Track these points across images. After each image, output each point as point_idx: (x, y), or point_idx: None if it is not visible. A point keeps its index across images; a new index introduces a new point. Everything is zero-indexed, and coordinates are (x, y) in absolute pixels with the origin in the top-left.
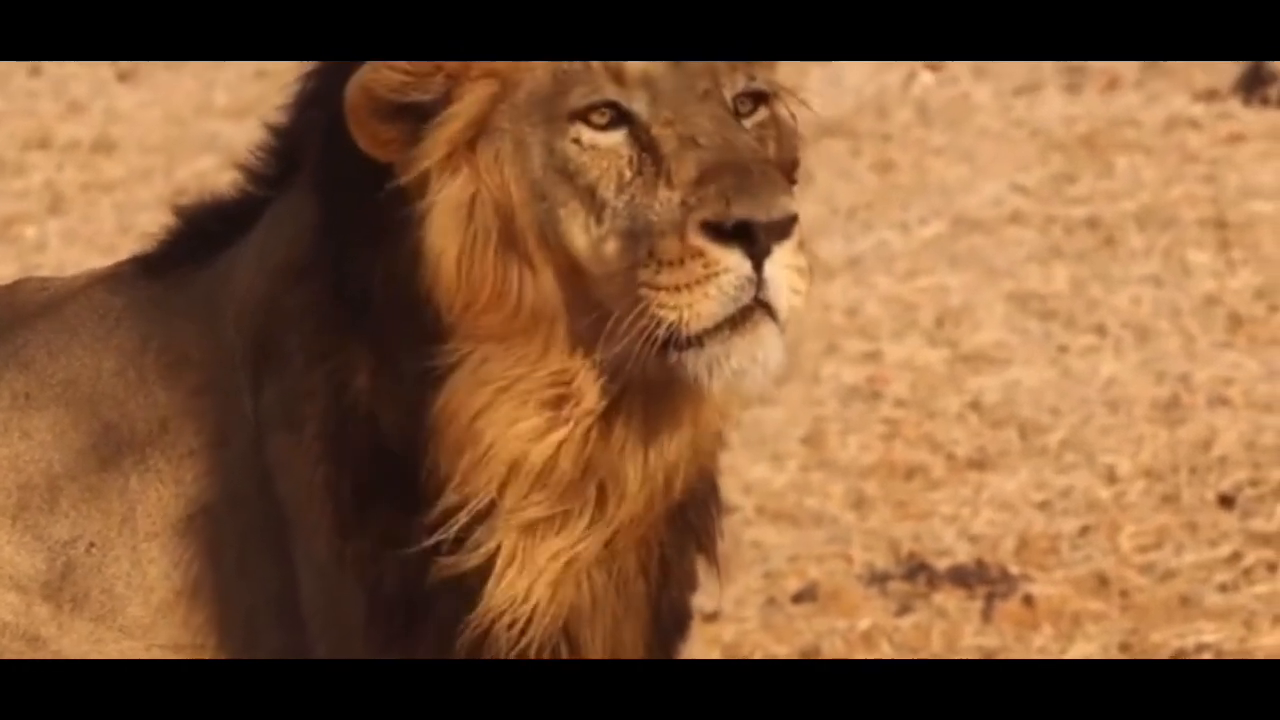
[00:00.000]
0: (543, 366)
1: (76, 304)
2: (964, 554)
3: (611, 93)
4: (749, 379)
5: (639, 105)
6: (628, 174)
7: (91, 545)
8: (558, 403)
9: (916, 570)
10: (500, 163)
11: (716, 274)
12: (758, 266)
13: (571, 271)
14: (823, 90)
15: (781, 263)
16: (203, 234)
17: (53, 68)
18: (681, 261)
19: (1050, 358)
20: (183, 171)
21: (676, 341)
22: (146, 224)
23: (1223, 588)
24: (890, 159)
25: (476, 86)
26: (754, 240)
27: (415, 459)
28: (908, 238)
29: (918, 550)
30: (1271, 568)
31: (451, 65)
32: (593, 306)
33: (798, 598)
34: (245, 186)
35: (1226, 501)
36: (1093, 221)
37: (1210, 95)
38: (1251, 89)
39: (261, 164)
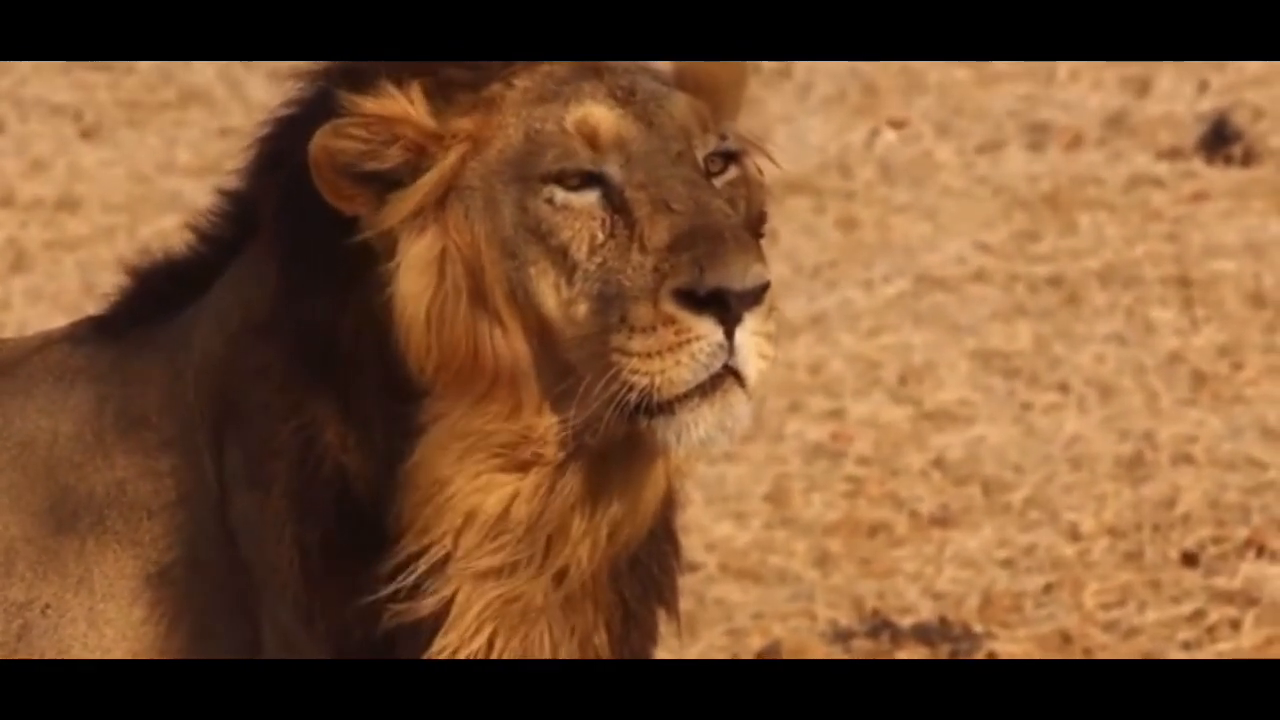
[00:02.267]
0: (511, 424)
1: (31, 365)
2: (928, 611)
3: (585, 157)
4: (716, 445)
5: (612, 167)
6: (600, 236)
7: (47, 607)
8: (519, 460)
9: (880, 628)
10: (470, 220)
11: (689, 341)
12: (729, 334)
13: (541, 330)
14: (786, 147)
15: (752, 329)
16: (158, 295)
17: (15, 125)
18: (654, 328)
19: (1014, 415)
20: (146, 230)
21: (647, 407)
22: (110, 282)
23: (1186, 645)
24: (854, 216)
25: (447, 153)
26: (727, 308)
27: (382, 510)
28: (871, 295)
29: (881, 608)
30: (1235, 625)
31: (410, 132)
32: (562, 367)
33: (761, 655)
34: (199, 248)
35: (1190, 559)
36: (1056, 280)
37: (1173, 153)
38: (1214, 148)
39: (215, 226)
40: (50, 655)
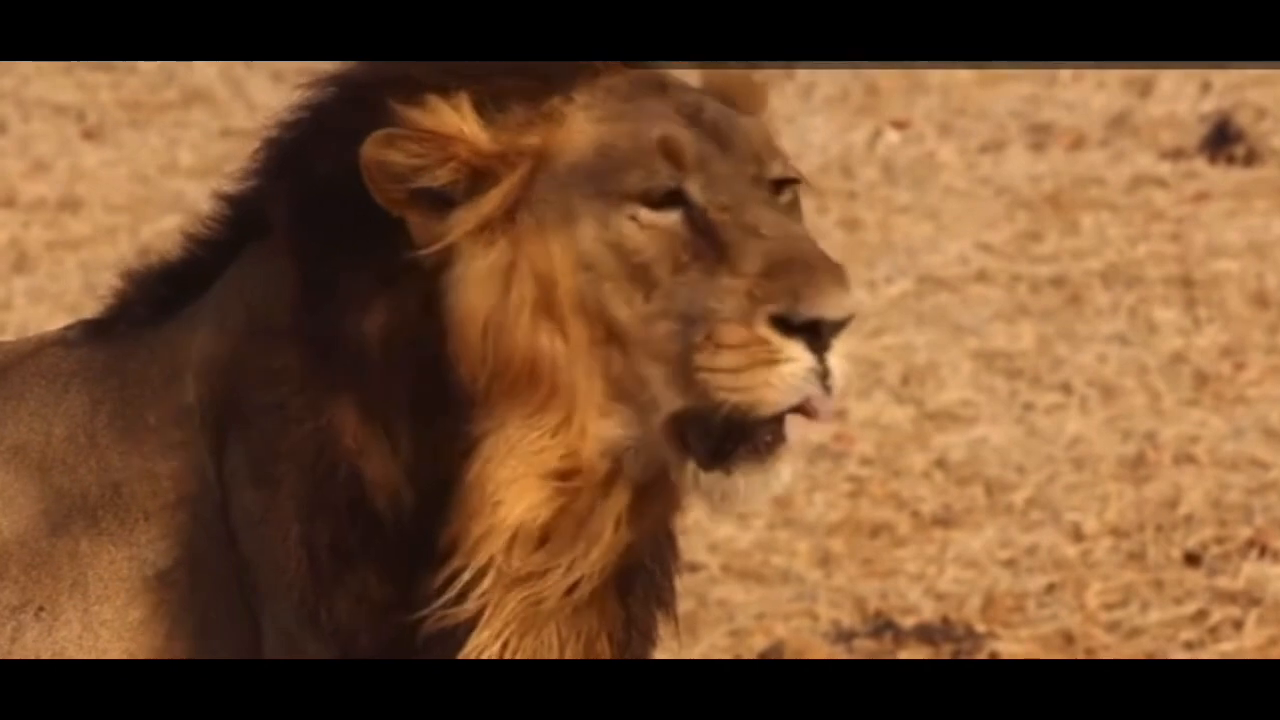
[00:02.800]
0: (563, 437)
1: (24, 369)
2: (930, 612)
3: (668, 175)
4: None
5: (694, 187)
6: (684, 256)
7: (41, 609)
8: (568, 474)
9: (882, 628)
10: (545, 233)
11: (778, 361)
12: (820, 359)
13: (606, 344)
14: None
15: (840, 353)
16: (154, 298)
17: (18, 125)
18: (744, 345)
19: (1016, 416)
20: (148, 230)
21: (730, 431)
22: (111, 283)
23: (1189, 645)
24: (856, 217)
25: (512, 170)
26: (819, 336)
27: (403, 519)
28: (874, 296)
29: (884, 608)
30: (1237, 625)
31: (463, 151)
32: (632, 381)
33: (764, 655)
34: (195, 251)
35: (1192, 559)
36: (1058, 280)
37: (1176, 154)
38: (1217, 147)
39: (213, 229)
40: (45, 658)
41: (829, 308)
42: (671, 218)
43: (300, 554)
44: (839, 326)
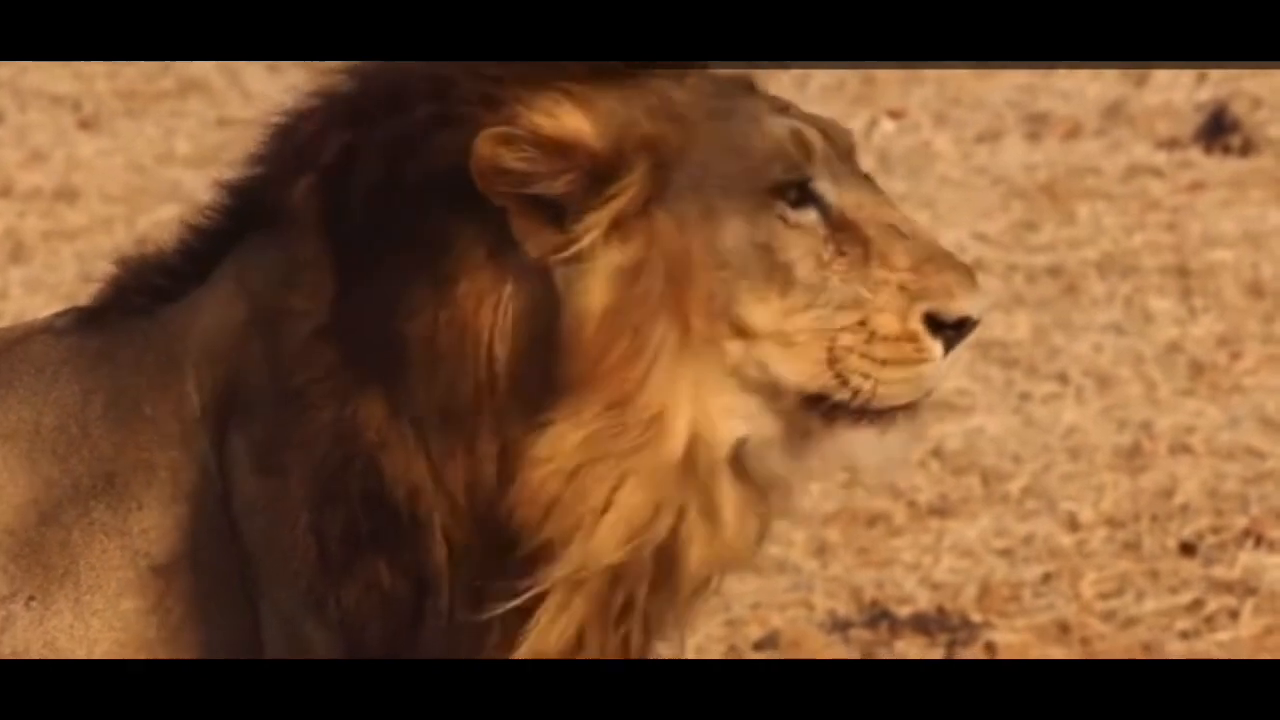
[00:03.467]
0: (655, 429)
1: (12, 357)
2: (925, 601)
3: (806, 172)
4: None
5: (823, 185)
6: (825, 254)
7: (31, 599)
8: (680, 477)
9: (878, 618)
10: (684, 229)
11: (923, 361)
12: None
13: (727, 338)
14: None
15: (952, 358)
16: (147, 288)
17: (14, 115)
18: (898, 340)
19: (1012, 405)
20: (145, 220)
21: (850, 410)
22: (106, 271)
23: (1184, 635)
24: None
25: (630, 172)
26: (959, 336)
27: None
28: None
29: (879, 598)
30: (1233, 615)
31: (584, 160)
32: (754, 369)
33: (759, 645)
34: (191, 241)
35: (1188, 549)
36: (1054, 269)
37: (1172, 143)
38: (1213, 137)
39: (211, 220)
40: (35, 647)
41: (974, 308)
42: (810, 216)
43: (309, 542)
44: (974, 327)
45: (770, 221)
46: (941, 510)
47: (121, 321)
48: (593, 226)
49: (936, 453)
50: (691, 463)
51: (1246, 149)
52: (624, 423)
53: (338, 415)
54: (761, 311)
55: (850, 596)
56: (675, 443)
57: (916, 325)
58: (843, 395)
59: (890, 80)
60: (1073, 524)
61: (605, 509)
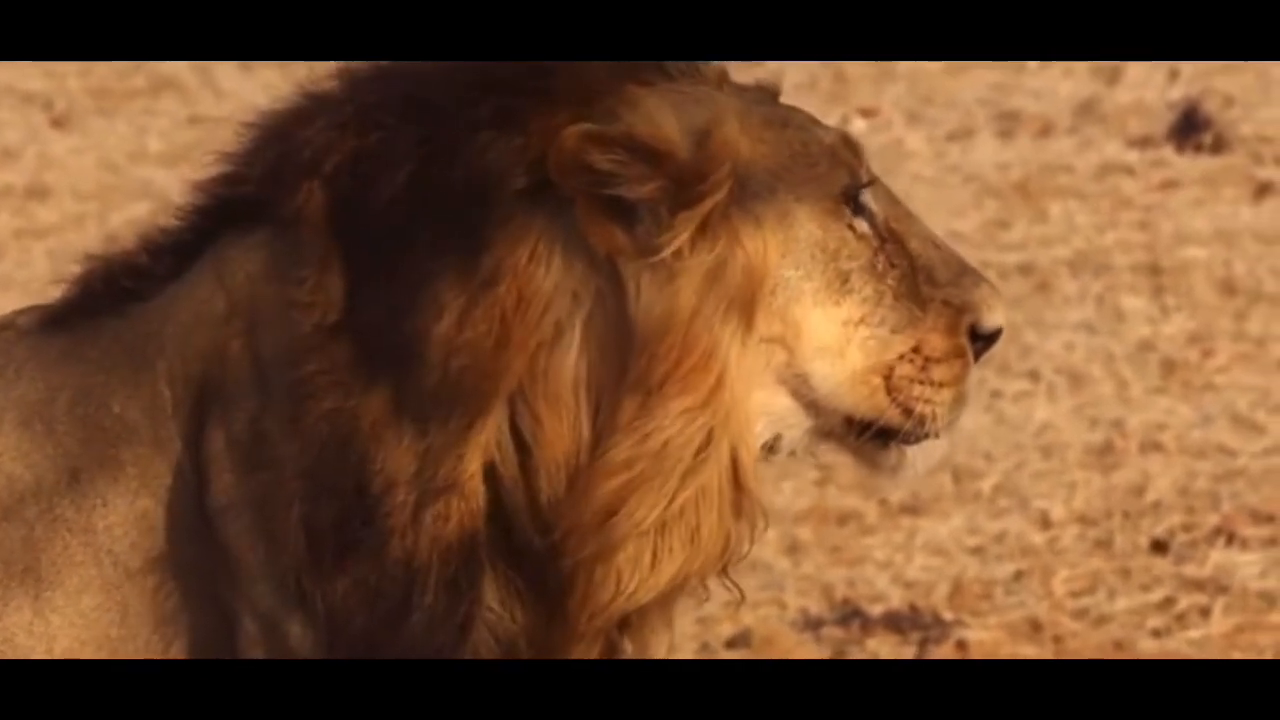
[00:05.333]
0: (720, 439)
1: None
2: (897, 599)
3: (865, 179)
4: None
5: (867, 195)
6: (879, 264)
7: None
8: (738, 501)
9: (850, 616)
10: (762, 231)
11: (965, 376)
12: None
13: (779, 348)
14: None
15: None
16: (117, 287)
17: None
18: (949, 360)
19: (984, 403)
20: (117, 218)
21: (904, 436)
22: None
23: (1156, 633)
24: None
25: (713, 174)
26: (988, 347)
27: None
28: None
29: (851, 596)
30: (1205, 613)
31: (671, 168)
32: (795, 382)
33: (731, 643)
34: (162, 241)
35: (1160, 547)
36: (1026, 267)
37: (1144, 142)
38: (1185, 135)
39: (184, 220)
40: None
41: (1005, 319)
42: (864, 226)
43: (299, 534)
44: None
45: (840, 229)
46: (913, 508)
47: (87, 321)
48: (683, 230)
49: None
50: (737, 466)
51: (1218, 147)
52: (697, 427)
53: (338, 406)
54: (819, 317)
55: (822, 594)
56: (730, 445)
57: (963, 340)
58: (908, 425)
59: (862, 79)
60: (1044, 522)
61: (672, 532)
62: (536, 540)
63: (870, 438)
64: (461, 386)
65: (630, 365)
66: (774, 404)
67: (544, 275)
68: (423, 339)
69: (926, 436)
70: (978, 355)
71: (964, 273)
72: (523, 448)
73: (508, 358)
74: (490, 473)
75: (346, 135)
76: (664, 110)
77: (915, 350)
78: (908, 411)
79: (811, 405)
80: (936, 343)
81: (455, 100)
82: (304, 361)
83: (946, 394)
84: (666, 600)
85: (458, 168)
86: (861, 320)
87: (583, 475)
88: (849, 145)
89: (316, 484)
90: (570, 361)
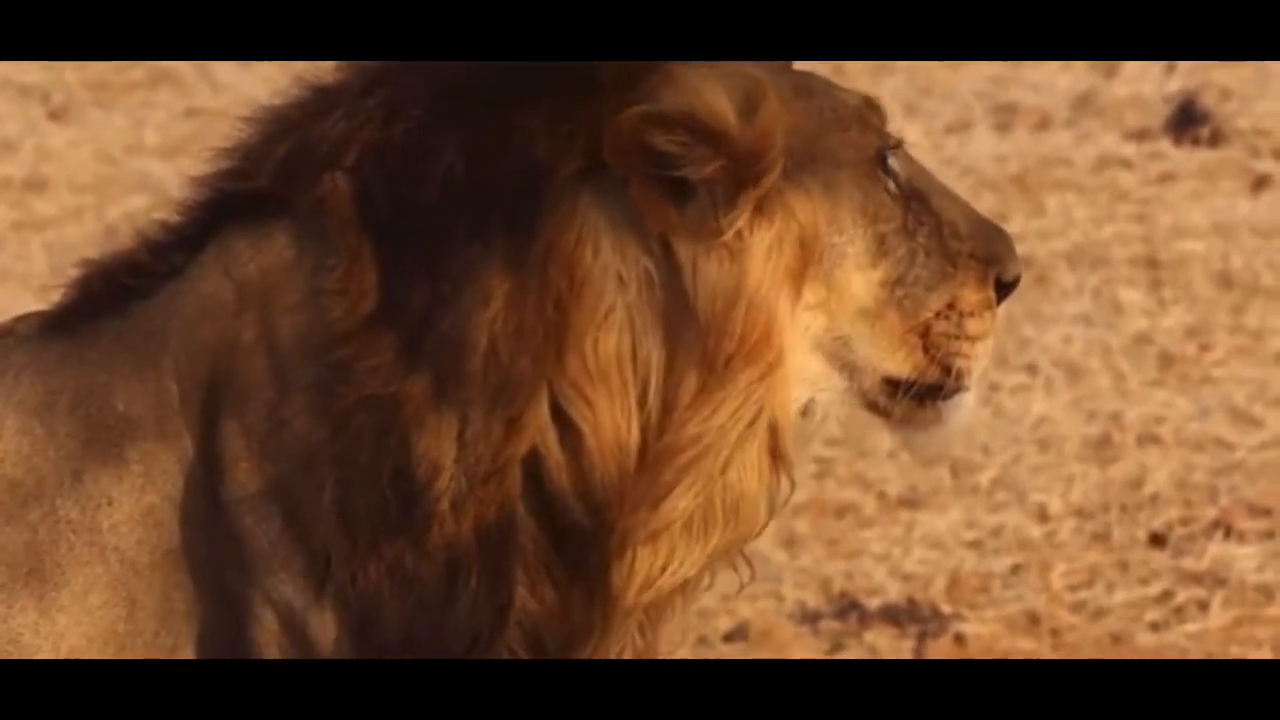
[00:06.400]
0: (767, 409)
1: None
2: (895, 592)
3: (893, 139)
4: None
5: (892, 154)
6: (910, 224)
7: None
8: (775, 466)
9: (848, 609)
10: (814, 202)
11: (993, 327)
12: None
13: (821, 313)
14: None
15: None
16: (117, 287)
17: None
18: (981, 313)
19: (981, 396)
20: (114, 210)
21: (945, 392)
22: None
23: (1154, 626)
24: None
25: (767, 153)
26: (1005, 295)
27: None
28: None
29: (849, 589)
30: (1203, 606)
31: (729, 146)
32: (834, 345)
33: (729, 636)
34: (163, 238)
35: (1158, 540)
36: (1024, 260)
37: (1141, 135)
38: (1182, 128)
39: (184, 215)
40: (0, 644)
41: (1021, 267)
42: (892, 186)
43: (332, 519)
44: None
45: (878, 191)
46: (911, 502)
47: (87, 324)
48: (744, 210)
49: (906, 444)
50: (776, 431)
51: (1216, 140)
52: (756, 399)
53: (376, 393)
54: (860, 281)
55: (820, 588)
56: (775, 416)
57: (991, 292)
58: (948, 381)
59: (860, 71)
60: (1042, 515)
61: (754, 500)
62: (585, 520)
63: (910, 396)
64: (511, 372)
65: (692, 344)
66: (809, 368)
67: (592, 258)
68: (468, 325)
69: (960, 390)
70: (998, 303)
71: (983, 224)
72: (568, 430)
73: (558, 341)
74: (531, 456)
75: (367, 128)
76: (713, 87)
77: (950, 306)
78: (946, 368)
79: (848, 367)
80: (969, 297)
81: (497, 93)
82: (335, 348)
83: (980, 347)
84: (702, 575)
85: (505, 158)
86: (898, 280)
87: (648, 454)
88: (872, 107)
89: (351, 470)
90: (618, 343)
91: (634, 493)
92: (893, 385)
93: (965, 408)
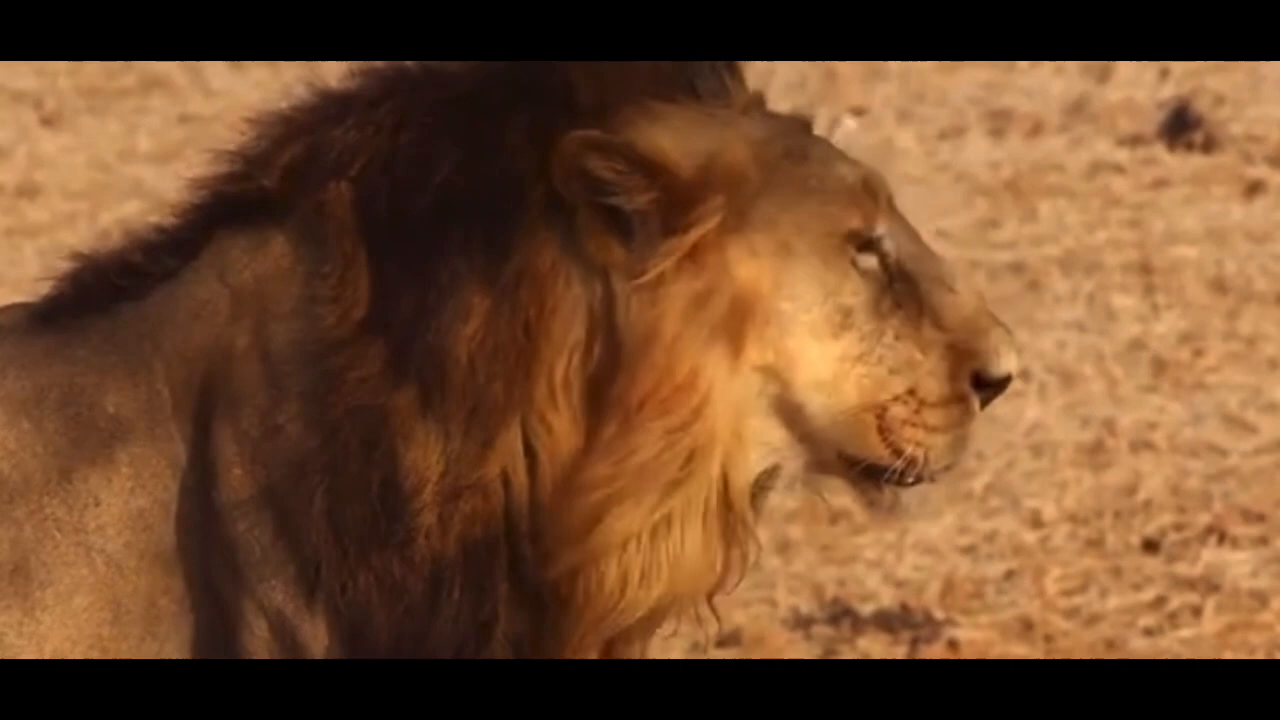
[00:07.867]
0: (702, 464)
1: None
2: (888, 598)
3: (879, 222)
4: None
5: (883, 233)
6: (885, 304)
7: None
8: (727, 527)
9: (841, 615)
10: (758, 262)
11: (968, 421)
12: None
13: (773, 378)
14: None
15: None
16: (108, 286)
17: None
18: (946, 405)
19: None
20: (107, 217)
21: (899, 476)
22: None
23: (1147, 632)
24: None
25: (710, 199)
26: (997, 393)
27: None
28: None
29: (842, 595)
30: (1196, 612)
31: (668, 183)
32: (789, 412)
33: (722, 642)
34: (157, 240)
35: (1151, 546)
36: (1017, 266)
37: (1134, 140)
38: (1175, 134)
39: (179, 219)
40: None
41: (1014, 367)
42: (873, 263)
43: (323, 527)
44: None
45: (843, 264)
46: None
47: (76, 319)
48: (670, 253)
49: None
50: (727, 491)
51: (1209, 146)
52: (679, 449)
53: (366, 403)
54: (816, 351)
55: (813, 593)
56: (718, 470)
57: (964, 386)
58: (898, 465)
59: (853, 77)
60: (1036, 521)
61: (692, 584)
62: (528, 548)
63: (862, 475)
64: (486, 393)
65: (614, 382)
66: (770, 434)
67: (564, 287)
68: (450, 338)
69: (919, 480)
70: (986, 402)
71: (975, 317)
72: (531, 454)
73: (527, 367)
74: (504, 477)
75: (380, 136)
76: (675, 127)
77: (910, 392)
78: (897, 452)
79: (807, 438)
80: (933, 387)
81: (492, 106)
82: (328, 357)
83: (939, 439)
84: (653, 621)
85: (491, 172)
86: (859, 357)
87: (567, 486)
88: (870, 186)
89: (341, 479)
90: (581, 373)
91: (556, 524)
92: (847, 461)
93: (925, 499)
